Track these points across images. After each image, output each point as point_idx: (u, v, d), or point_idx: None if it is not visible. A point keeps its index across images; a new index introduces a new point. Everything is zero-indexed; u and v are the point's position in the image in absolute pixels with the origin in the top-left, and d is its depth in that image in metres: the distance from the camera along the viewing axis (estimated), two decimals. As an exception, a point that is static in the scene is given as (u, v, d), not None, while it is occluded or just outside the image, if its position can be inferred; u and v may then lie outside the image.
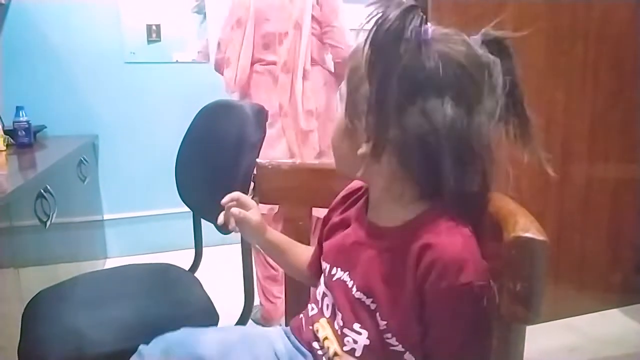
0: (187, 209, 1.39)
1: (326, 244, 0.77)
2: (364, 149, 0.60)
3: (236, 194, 0.84)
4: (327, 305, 0.73)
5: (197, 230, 1.43)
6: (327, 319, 0.72)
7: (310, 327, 0.74)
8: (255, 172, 1.01)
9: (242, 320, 1.14)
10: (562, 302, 1.85)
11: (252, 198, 1.11)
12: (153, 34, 2.78)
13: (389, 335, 0.64)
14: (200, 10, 2.84)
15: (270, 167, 0.90)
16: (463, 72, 0.55)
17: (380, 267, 0.64)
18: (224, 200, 0.83)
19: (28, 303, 1.21)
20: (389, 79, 0.53)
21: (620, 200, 2.02)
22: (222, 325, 1.12)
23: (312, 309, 0.77)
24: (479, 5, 1.70)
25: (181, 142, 1.39)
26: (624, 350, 1.85)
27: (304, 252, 0.89)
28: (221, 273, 1.82)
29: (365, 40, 0.53)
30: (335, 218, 0.78)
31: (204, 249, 1.44)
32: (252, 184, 1.10)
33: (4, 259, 1.32)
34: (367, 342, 0.66)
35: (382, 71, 0.53)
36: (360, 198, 0.74)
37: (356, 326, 0.66)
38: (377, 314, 0.64)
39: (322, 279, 0.76)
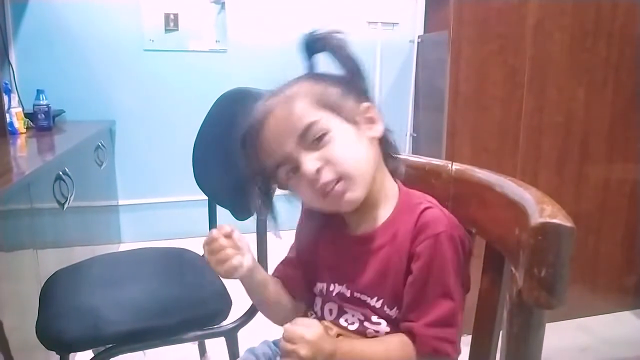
0: (201, 197, 1.40)
1: (315, 266, 0.77)
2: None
3: (226, 229, 0.68)
4: (330, 310, 0.75)
5: (212, 216, 1.43)
6: (331, 321, 0.74)
7: None
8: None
9: (253, 308, 1.15)
10: (575, 303, 1.83)
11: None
12: (171, 23, 2.79)
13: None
14: (218, 1, 2.85)
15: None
16: None
17: (379, 266, 0.69)
18: (210, 239, 0.67)
19: (45, 282, 1.23)
20: None
21: (637, 202, 1.99)
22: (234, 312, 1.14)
23: (311, 314, 0.77)
24: (502, -1, 1.68)
25: (199, 129, 1.40)
26: (636, 352, 1.83)
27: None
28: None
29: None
30: (311, 239, 0.78)
31: (218, 236, 1.44)
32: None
33: (24, 239, 1.34)
34: (388, 329, 0.69)
35: None
36: (326, 217, 0.75)
37: (374, 318, 0.70)
38: (385, 307, 0.69)
39: (318, 300, 0.77)
